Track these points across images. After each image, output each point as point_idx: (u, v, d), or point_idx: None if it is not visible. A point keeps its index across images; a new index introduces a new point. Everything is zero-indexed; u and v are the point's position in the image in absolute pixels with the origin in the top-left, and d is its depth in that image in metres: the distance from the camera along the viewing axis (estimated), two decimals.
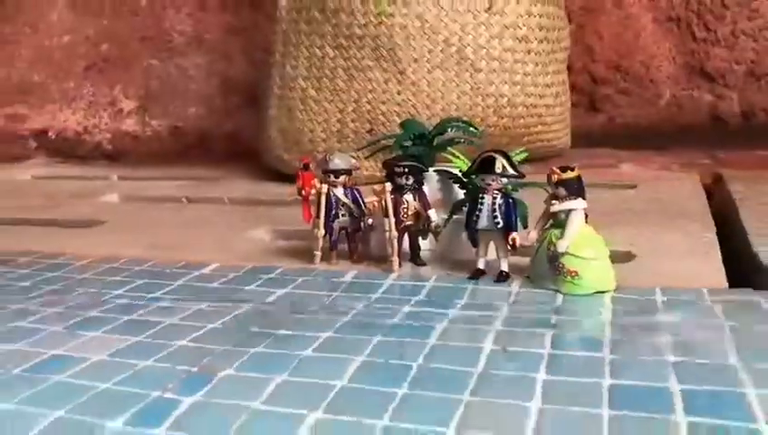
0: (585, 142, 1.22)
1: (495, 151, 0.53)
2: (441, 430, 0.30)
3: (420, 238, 0.59)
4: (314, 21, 0.92)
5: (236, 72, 1.37)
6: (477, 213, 0.53)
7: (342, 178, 0.59)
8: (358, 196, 0.60)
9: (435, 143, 0.63)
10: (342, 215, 0.60)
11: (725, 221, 0.71)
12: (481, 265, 0.54)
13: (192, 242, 0.70)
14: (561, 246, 0.49)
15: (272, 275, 0.55)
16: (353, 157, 0.63)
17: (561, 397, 0.33)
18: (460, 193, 0.59)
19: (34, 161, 1.39)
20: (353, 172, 0.61)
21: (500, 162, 0.52)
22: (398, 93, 0.89)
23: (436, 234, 0.58)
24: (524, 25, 0.90)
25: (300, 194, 0.60)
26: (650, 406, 0.32)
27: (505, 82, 0.90)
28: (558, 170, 0.50)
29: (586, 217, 0.51)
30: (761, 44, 1.26)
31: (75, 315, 0.48)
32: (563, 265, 0.49)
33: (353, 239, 0.61)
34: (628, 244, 0.60)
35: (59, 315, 0.49)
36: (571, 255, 0.49)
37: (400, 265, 0.56)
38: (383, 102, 0.89)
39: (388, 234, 0.56)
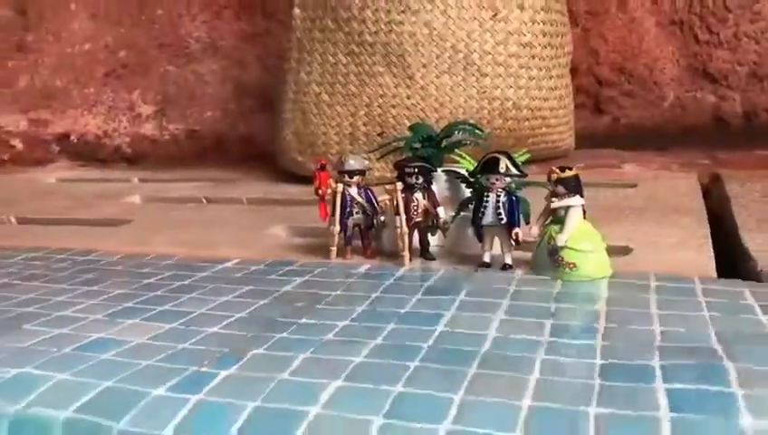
0: (590, 143, 1.25)
1: (499, 152, 0.57)
2: (449, 395, 0.34)
3: (429, 234, 0.62)
4: (327, 29, 0.96)
5: (250, 77, 1.41)
6: (482, 210, 0.57)
7: (356, 179, 0.63)
8: (371, 195, 0.64)
9: (443, 145, 0.67)
10: (356, 213, 0.63)
11: (721, 218, 0.74)
12: (486, 258, 0.58)
13: (214, 239, 0.74)
14: (561, 240, 0.53)
15: (291, 268, 0.60)
16: (366, 158, 0.67)
17: (558, 371, 0.37)
18: (467, 192, 0.63)
19: (57, 164, 1.44)
20: (366, 173, 0.65)
21: (503, 162, 0.56)
22: (408, 98, 0.93)
23: (444, 230, 0.62)
24: (528, 32, 0.94)
25: (317, 193, 0.64)
26: (635, 377, 0.35)
27: (510, 87, 0.94)
28: (557, 170, 0.54)
29: (584, 212, 0.55)
30: (763, 46, 1.28)
31: (113, 305, 0.52)
32: (562, 257, 0.53)
33: (366, 236, 0.64)
34: (626, 239, 0.63)
35: (98, 306, 0.53)
36: (570, 248, 0.53)
37: (411, 259, 0.60)
38: (393, 106, 0.93)
39: (399, 230, 0.60)
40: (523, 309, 0.47)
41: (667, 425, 0.31)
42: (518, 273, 0.55)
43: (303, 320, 0.47)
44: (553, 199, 0.55)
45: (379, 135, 0.94)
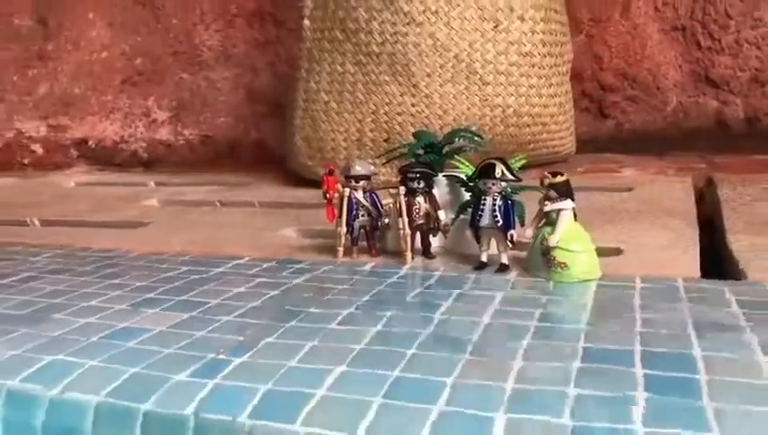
0: (594, 147, 1.28)
1: (496, 159, 0.61)
2: (442, 379, 0.38)
3: (431, 236, 0.66)
4: (336, 40, 1.00)
5: (262, 84, 1.45)
6: (480, 213, 0.60)
7: (362, 183, 0.67)
8: (376, 198, 0.68)
9: (444, 151, 0.71)
10: (362, 215, 0.67)
11: (713, 220, 0.77)
12: (484, 258, 0.61)
13: (228, 239, 0.78)
14: (552, 240, 0.56)
15: (300, 265, 0.64)
16: (372, 164, 0.71)
17: (542, 356, 0.40)
18: (466, 195, 0.66)
19: (76, 169, 1.49)
20: (372, 177, 0.69)
21: (499, 168, 0.60)
22: (413, 105, 0.96)
23: (444, 232, 0.66)
24: (528, 42, 0.97)
25: (325, 197, 0.68)
26: (616, 361, 0.39)
27: (511, 94, 0.97)
28: (549, 175, 0.58)
29: (575, 215, 0.58)
30: (764, 52, 1.31)
31: (135, 297, 0.56)
32: (554, 257, 0.57)
33: (372, 237, 0.68)
34: (618, 241, 0.67)
35: (121, 298, 0.57)
36: (561, 248, 0.56)
37: (413, 258, 0.64)
38: (399, 114, 0.97)
39: (402, 232, 0.64)
40: (514, 303, 0.51)
41: (641, 405, 0.34)
42: (513, 272, 0.59)
43: (311, 310, 0.50)
44: (546, 203, 0.58)
45: (385, 141, 0.98)
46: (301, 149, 1.07)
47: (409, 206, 0.64)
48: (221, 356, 0.43)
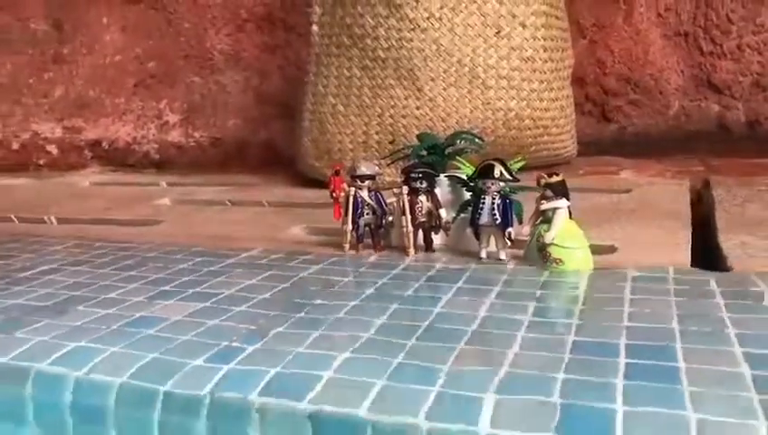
0: (597, 150, 1.31)
1: (495, 160, 0.63)
2: (440, 366, 0.40)
3: (432, 233, 0.69)
4: (343, 45, 1.03)
5: (271, 87, 1.49)
6: (479, 211, 0.63)
7: (368, 183, 0.69)
8: (380, 197, 0.70)
9: (446, 153, 0.74)
10: (367, 213, 0.70)
11: (707, 220, 0.80)
12: (483, 254, 0.64)
13: (238, 234, 0.82)
14: (548, 237, 0.59)
15: (308, 258, 0.67)
16: (377, 164, 0.74)
17: (535, 346, 0.43)
18: (466, 195, 0.69)
19: (90, 169, 1.52)
20: (377, 177, 0.72)
21: (498, 169, 0.63)
22: (417, 109, 0.99)
23: (446, 229, 0.69)
24: (530, 48, 1.00)
25: (331, 196, 0.72)
26: (602, 353, 0.41)
27: (513, 98, 1.00)
28: (545, 175, 0.61)
29: (570, 213, 0.61)
30: (765, 57, 1.33)
31: (152, 289, 0.59)
32: (550, 253, 0.59)
33: (376, 234, 0.71)
34: (613, 238, 0.69)
35: (138, 290, 0.60)
36: (557, 245, 0.59)
37: (416, 253, 0.67)
38: (404, 117, 0.99)
39: (405, 229, 0.67)
40: (510, 295, 0.53)
41: (620, 389, 0.37)
42: (511, 267, 0.62)
43: (318, 302, 0.53)
44: (542, 202, 0.61)
45: (390, 143, 1.01)
46: (309, 150, 1.10)
47: (412, 204, 0.67)
48: (234, 344, 0.46)
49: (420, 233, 0.69)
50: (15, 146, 1.58)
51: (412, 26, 0.97)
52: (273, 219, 0.90)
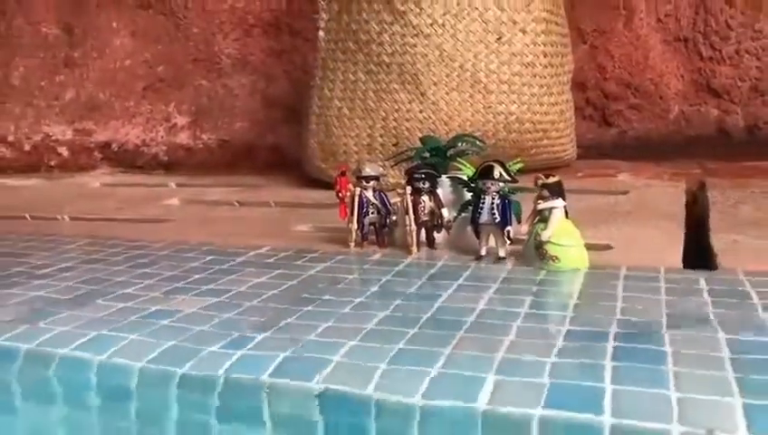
0: (597, 154, 1.33)
1: (494, 161, 0.66)
2: (440, 350, 0.43)
3: (435, 231, 0.71)
4: (349, 50, 1.06)
5: (277, 91, 1.51)
6: (479, 211, 0.66)
7: (372, 183, 0.73)
8: (384, 197, 0.73)
9: (448, 155, 0.76)
10: (372, 213, 0.73)
11: (702, 221, 0.82)
12: (483, 251, 0.67)
13: (246, 233, 0.84)
14: (545, 236, 0.62)
15: (315, 255, 0.70)
16: (381, 166, 0.77)
17: (530, 334, 0.46)
18: (467, 195, 0.72)
19: (100, 171, 1.55)
20: (381, 178, 0.75)
21: (497, 170, 0.65)
22: (420, 112, 1.02)
23: (447, 228, 0.71)
24: (530, 53, 1.03)
25: (337, 196, 0.74)
26: (595, 338, 0.44)
27: (514, 102, 1.03)
28: (543, 176, 0.63)
29: (566, 213, 0.64)
30: (764, 62, 1.35)
31: (166, 284, 0.62)
32: (546, 251, 0.62)
33: (381, 233, 0.73)
34: (609, 238, 0.72)
35: (152, 286, 0.62)
36: (553, 243, 0.62)
37: (418, 251, 0.70)
38: (407, 120, 1.02)
39: (408, 228, 0.69)
40: (508, 290, 0.56)
41: (609, 370, 0.39)
42: (509, 263, 0.65)
43: (326, 296, 0.56)
44: (539, 202, 0.64)
45: (394, 145, 1.03)
46: (315, 152, 1.13)
47: (415, 204, 0.70)
48: (247, 333, 0.49)
49: (423, 231, 0.71)
50: (27, 147, 1.62)
51: (416, 32, 1.00)
52: (280, 219, 0.93)
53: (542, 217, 0.64)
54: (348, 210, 0.73)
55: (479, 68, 1.01)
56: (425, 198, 0.70)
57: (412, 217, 0.69)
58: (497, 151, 0.98)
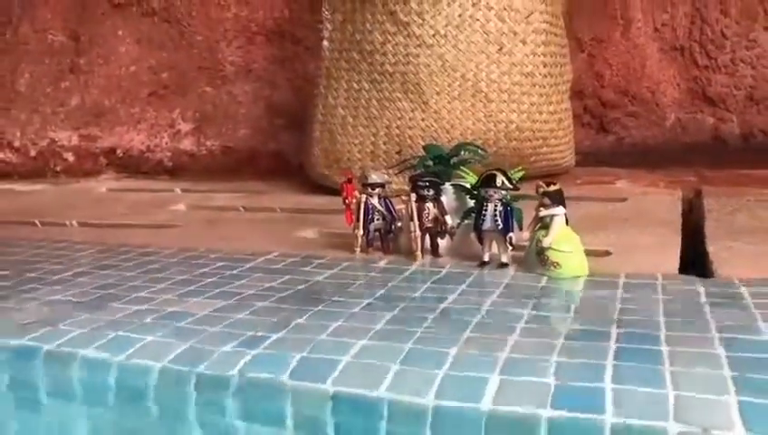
0: (595, 161, 1.35)
1: (497, 169, 0.68)
2: (447, 350, 0.45)
3: (439, 238, 0.73)
4: (353, 60, 1.08)
5: (280, 98, 1.53)
6: (482, 218, 0.67)
7: (378, 190, 0.74)
8: (389, 204, 0.75)
9: (451, 163, 0.78)
10: (377, 219, 0.75)
11: (698, 228, 0.84)
12: (486, 257, 0.68)
13: (253, 238, 0.86)
14: (546, 242, 0.64)
15: (322, 261, 0.72)
16: (386, 173, 0.79)
17: (533, 335, 0.48)
18: (470, 202, 0.74)
19: (105, 176, 1.57)
20: (386, 185, 0.77)
21: (500, 178, 0.67)
22: (423, 121, 1.04)
23: (451, 234, 0.73)
24: (530, 64, 1.05)
25: (344, 202, 0.76)
26: (595, 338, 0.46)
27: (514, 111, 1.05)
28: (544, 184, 0.66)
29: (566, 220, 0.66)
30: (759, 71, 1.38)
31: (178, 288, 0.64)
32: (548, 257, 0.64)
33: (386, 239, 0.75)
34: (608, 244, 0.74)
35: (164, 289, 0.64)
36: (554, 249, 0.64)
37: (423, 257, 0.72)
38: (410, 128, 1.04)
39: (413, 234, 0.71)
40: (511, 295, 0.58)
41: (610, 370, 0.41)
42: (511, 269, 0.67)
43: (334, 298, 0.58)
44: (540, 209, 0.66)
45: (397, 153, 1.05)
46: (319, 159, 1.15)
47: (420, 211, 0.72)
48: (259, 333, 0.51)
49: (427, 238, 0.73)
50: (33, 153, 1.63)
51: (418, 43, 1.03)
52: (286, 224, 0.95)
53: (543, 224, 0.66)
54: (354, 217, 0.75)
55: (480, 78, 1.03)
56: (429, 204, 0.72)
57: (417, 223, 0.71)
58: (498, 159, 1.00)
